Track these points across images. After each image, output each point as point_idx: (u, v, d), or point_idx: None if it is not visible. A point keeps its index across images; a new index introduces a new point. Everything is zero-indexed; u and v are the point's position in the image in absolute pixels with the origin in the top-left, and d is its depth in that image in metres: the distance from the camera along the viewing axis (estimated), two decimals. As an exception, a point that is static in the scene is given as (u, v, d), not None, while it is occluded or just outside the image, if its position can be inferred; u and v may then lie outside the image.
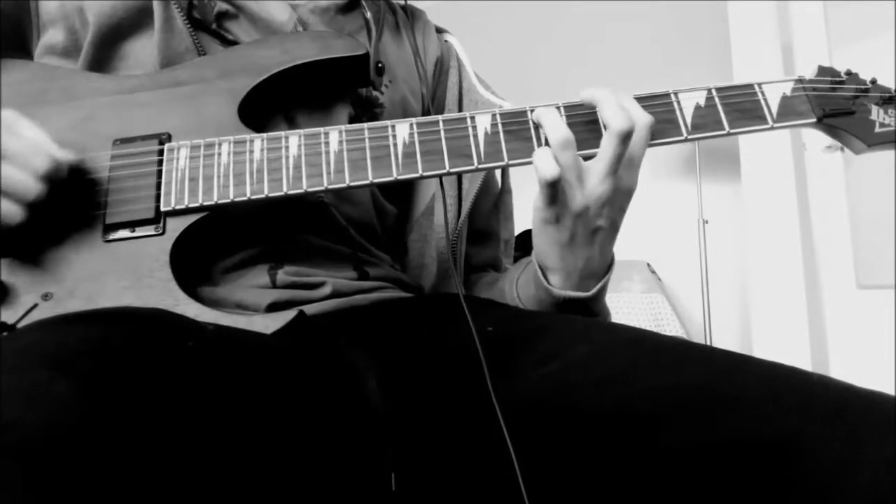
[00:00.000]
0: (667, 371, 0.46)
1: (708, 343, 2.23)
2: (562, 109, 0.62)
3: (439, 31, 0.88)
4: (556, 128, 0.58)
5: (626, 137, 0.58)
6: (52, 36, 0.67)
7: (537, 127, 0.61)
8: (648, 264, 2.57)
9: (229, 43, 0.67)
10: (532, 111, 0.62)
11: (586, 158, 0.60)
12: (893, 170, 2.00)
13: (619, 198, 0.61)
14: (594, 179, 0.59)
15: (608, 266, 0.66)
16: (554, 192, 0.59)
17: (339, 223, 0.67)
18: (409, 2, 0.84)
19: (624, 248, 3.06)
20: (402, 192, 0.78)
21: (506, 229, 0.86)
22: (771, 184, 2.30)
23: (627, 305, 2.44)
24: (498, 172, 0.84)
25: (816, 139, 2.24)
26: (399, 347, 0.60)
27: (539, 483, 0.46)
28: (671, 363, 0.46)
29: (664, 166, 2.80)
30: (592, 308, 0.66)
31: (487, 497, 0.47)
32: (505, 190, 0.86)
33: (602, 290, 0.65)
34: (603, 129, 0.60)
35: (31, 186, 0.52)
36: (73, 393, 0.34)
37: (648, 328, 2.14)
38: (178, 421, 0.38)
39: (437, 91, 0.82)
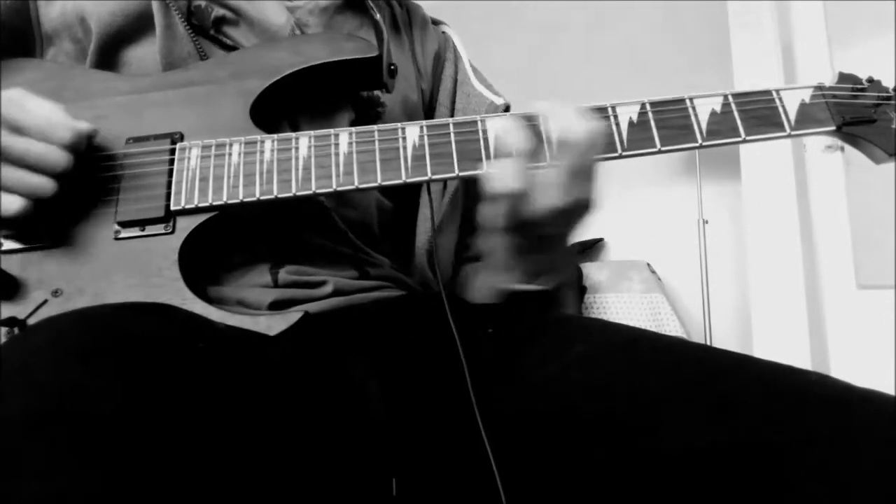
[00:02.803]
0: (666, 371, 0.46)
1: (708, 343, 2.24)
2: (519, 120, 0.60)
3: (436, 22, 0.87)
4: (515, 138, 0.58)
5: (568, 149, 0.57)
6: (59, 49, 0.68)
7: (547, 131, 0.61)
8: (648, 264, 2.58)
9: (228, 48, 0.67)
10: (538, 116, 0.62)
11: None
12: (893, 170, 2.00)
13: (570, 210, 0.59)
14: (542, 191, 0.57)
15: (563, 264, 0.65)
16: (503, 203, 0.58)
17: (339, 226, 0.67)
18: None
19: (624, 248, 3.05)
20: (404, 189, 0.79)
21: None
22: (771, 184, 2.30)
23: (627, 305, 2.45)
24: None
25: (817, 139, 2.24)
26: (400, 351, 0.60)
27: (539, 486, 0.46)
28: (670, 363, 0.47)
29: (664, 166, 2.80)
30: (551, 301, 0.66)
31: (487, 501, 0.47)
32: None
33: (559, 290, 0.65)
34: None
35: (60, 157, 0.53)
36: (108, 387, 0.35)
37: (648, 328, 2.14)
38: (195, 416, 0.39)
39: (433, 85, 0.82)
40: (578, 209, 0.59)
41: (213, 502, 0.37)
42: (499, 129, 0.59)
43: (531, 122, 0.61)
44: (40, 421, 0.31)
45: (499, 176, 0.57)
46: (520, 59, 3.03)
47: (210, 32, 0.67)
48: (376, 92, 0.72)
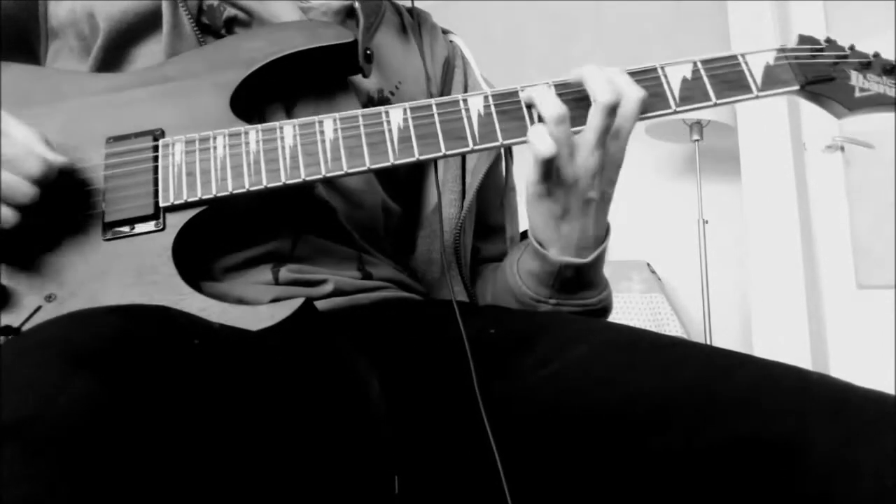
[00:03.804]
0: (666, 371, 0.46)
1: (708, 343, 2.24)
2: (552, 88, 0.63)
3: (445, 31, 0.88)
4: (550, 103, 0.59)
5: (612, 110, 0.59)
6: (63, 44, 0.67)
7: (529, 106, 0.62)
8: (648, 264, 2.57)
9: None
10: (522, 90, 0.62)
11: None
12: (893, 170, 2.00)
13: (608, 170, 0.62)
14: (584, 152, 0.60)
15: (604, 236, 0.66)
16: (548, 167, 0.60)
17: (344, 227, 0.67)
18: (413, 2, 0.84)
19: (624, 248, 3.05)
20: (409, 191, 0.79)
21: (511, 226, 0.87)
22: (771, 184, 2.30)
23: (627, 305, 2.44)
24: (503, 169, 0.84)
25: (817, 139, 2.24)
26: (401, 350, 0.60)
27: (541, 485, 0.46)
28: (670, 363, 0.47)
29: (664, 166, 2.79)
30: (590, 276, 0.66)
31: (490, 500, 0.47)
32: (509, 187, 0.86)
33: (599, 259, 0.66)
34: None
35: (25, 190, 0.52)
36: (91, 388, 0.35)
37: (648, 328, 2.14)
38: (187, 417, 0.38)
39: (443, 91, 0.83)
40: (613, 167, 0.62)
41: (215, 501, 0.36)
42: (534, 96, 0.61)
43: (567, 87, 0.63)
44: (25, 423, 0.31)
45: (535, 140, 0.59)
46: (517, 59, 3.03)
47: (221, 32, 0.67)
48: (386, 93, 0.72)
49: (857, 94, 0.66)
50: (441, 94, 0.82)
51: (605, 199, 0.64)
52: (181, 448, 0.36)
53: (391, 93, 0.73)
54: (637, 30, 2.92)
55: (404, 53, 0.79)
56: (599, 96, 0.59)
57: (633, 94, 0.61)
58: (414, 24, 0.82)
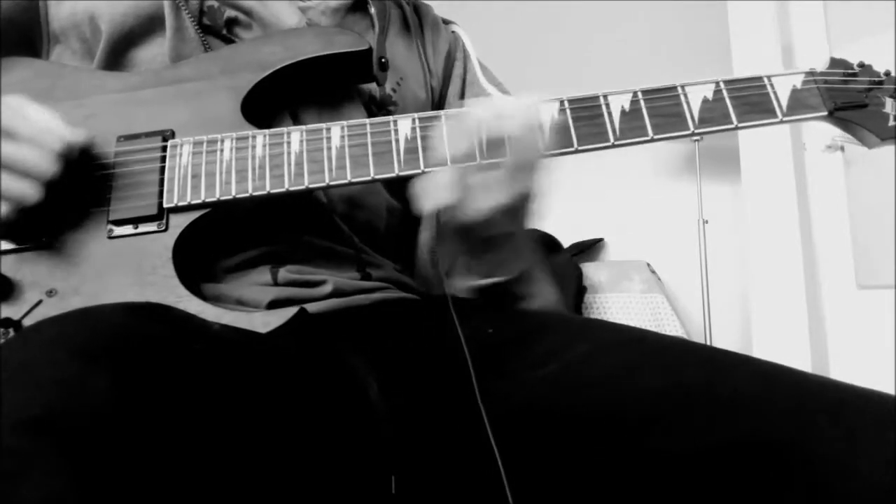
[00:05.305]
0: (666, 371, 0.46)
1: (708, 343, 2.24)
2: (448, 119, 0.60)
3: (446, 22, 0.87)
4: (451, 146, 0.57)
5: (497, 148, 0.56)
6: (66, 48, 0.68)
7: (539, 122, 0.61)
8: (648, 264, 2.58)
9: None
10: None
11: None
12: (893, 170, 1.99)
13: (513, 207, 0.57)
14: (480, 194, 0.56)
15: (517, 258, 0.64)
16: (443, 212, 0.58)
17: (341, 227, 0.67)
18: None
19: (624, 248, 3.05)
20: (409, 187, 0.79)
21: None
22: (771, 184, 2.30)
23: (627, 305, 2.45)
24: None
25: (817, 139, 2.24)
26: (400, 350, 0.60)
27: (541, 484, 0.46)
28: (671, 363, 0.47)
29: (664, 166, 2.80)
30: (515, 291, 0.65)
31: (488, 499, 0.47)
32: None
33: (522, 277, 0.64)
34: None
35: (48, 166, 0.53)
36: (107, 386, 0.35)
37: (648, 328, 2.14)
38: (192, 416, 0.39)
39: (444, 85, 0.82)
40: (521, 204, 0.58)
41: (214, 501, 0.36)
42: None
43: (462, 122, 0.59)
44: (39, 420, 0.31)
45: (430, 187, 0.56)
46: (517, 59, 3.03)
47: (222, 33, 0.67)
48: (388, 91, 0.72)
49: (892, 122, 0.62)
50: (441, 88, 0.82)
51: (516, 231, 0.61)
52: (188, 446, 0.37)
53: (393, 90, 0.73)
54: (637, 30, 2.92)
55: (406, 50, 0.79)
56: (486, 134, 0.56)
57: (516, 126, 0.56)
58: (414, 19, 0.82)
